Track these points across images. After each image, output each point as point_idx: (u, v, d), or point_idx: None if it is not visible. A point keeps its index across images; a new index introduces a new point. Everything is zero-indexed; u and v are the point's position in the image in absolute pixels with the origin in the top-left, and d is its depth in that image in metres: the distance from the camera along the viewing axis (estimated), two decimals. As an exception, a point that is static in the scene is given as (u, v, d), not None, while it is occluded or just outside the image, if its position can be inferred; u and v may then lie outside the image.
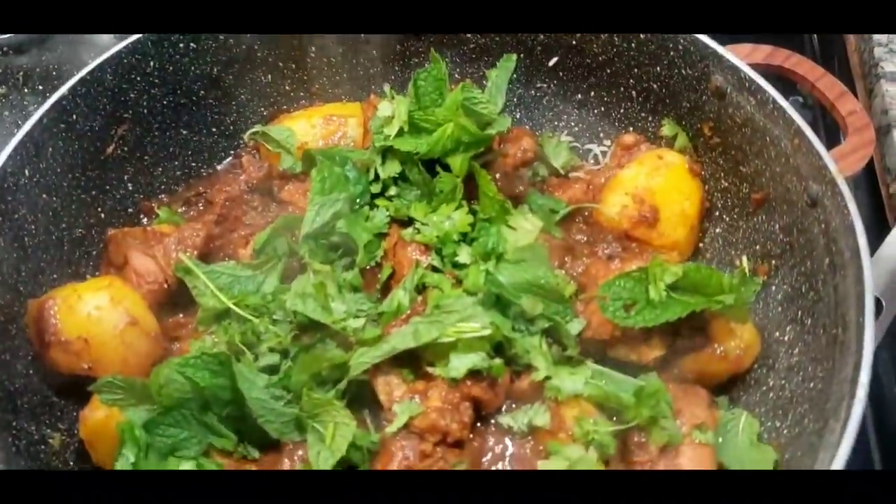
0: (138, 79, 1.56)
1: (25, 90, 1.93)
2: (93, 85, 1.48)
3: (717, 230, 1.67)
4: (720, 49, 1.54)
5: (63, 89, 1.43)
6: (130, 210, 1.63)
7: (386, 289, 1.52)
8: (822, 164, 1.37)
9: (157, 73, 1.59)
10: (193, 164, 1.74)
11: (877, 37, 2.10)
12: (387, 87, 1.81)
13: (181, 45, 1.60)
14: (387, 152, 1.61)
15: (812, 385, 1.34)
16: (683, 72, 1.61)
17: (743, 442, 1.39)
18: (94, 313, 1.35)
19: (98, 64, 1.48)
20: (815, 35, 2.30)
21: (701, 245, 1.68)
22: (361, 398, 1.34)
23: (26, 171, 1.37)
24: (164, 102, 1.63)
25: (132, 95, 1.57)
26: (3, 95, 1.92)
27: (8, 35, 2.00)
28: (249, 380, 1.27)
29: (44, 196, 1.43)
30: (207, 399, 1.27)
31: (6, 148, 1.34)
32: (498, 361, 1.32)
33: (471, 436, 1.32)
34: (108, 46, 2.03)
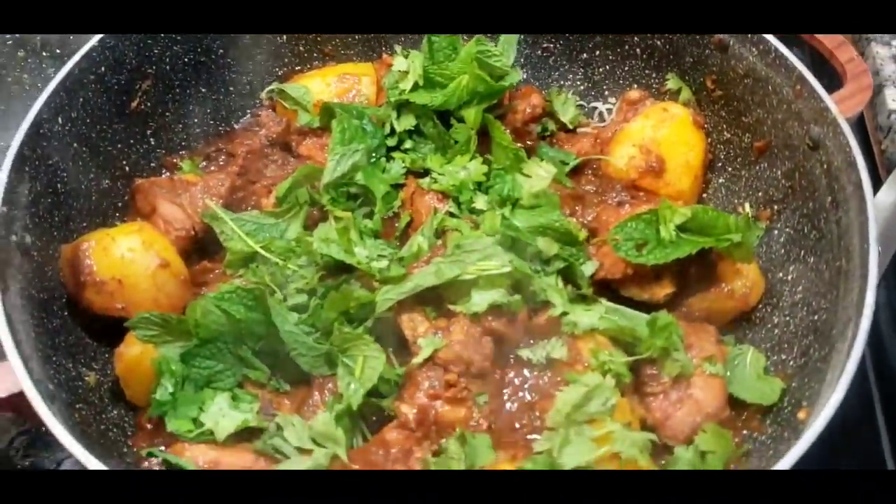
0: (161, 35, 1.61)
1: (44, 54, 1.96)
2: (120, 38, 1.52)
3: (721, 180, 1.73)
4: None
5: (93, 40, 1.47)
6: (153, 164, 1.68)
7: (405, 236, 1.58)
8: (823, 106, 1.44)
9: (180, 30, 1.63)
10: (212, 122, 1.78)
11: (868, 2, 2.17)
12: (399, 48, 1.87)
13: (202, 2, 1.64)
14: (402, 107, 1.67)
15: (816, 317, 1.41)
16: (687, 27, 1.67)
17: (751, 374, 1.45)
18: (127, 255, 1.39)
19: (125, 18, 1.51)
20: None
21: (704, 195, 1.74)
22: (386, 336, 1.39)
23: (59, 119, 1.42)
24: (185, 60, 1.68)
25: (156, 51, 1.61)
26: (23, 59, 1.95)
27: None
28: (282, 315, 1.32)
29: (74, 145, 1.47)
30: (242, 332, 1.32)
31: (41, 95, 1.38)
32: (517, 297, 1.38)
33: (492, 368, 1.38)
34: None
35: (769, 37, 1.53)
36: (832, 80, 1.56)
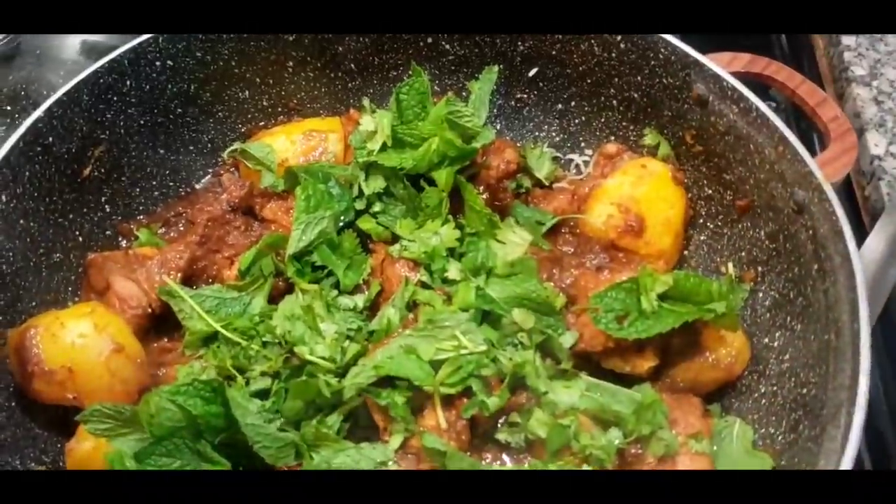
0: (115, 99, 1.53)
1: (-8, 110, 1.88)
2: (69, 106, 1.44)
3: (702, 237, 1.67)
4: (701, 58, 1.55)
5: (39, 111, 1.39)
6: (108, 232, 1.60)
7: (374, 307, 1.50)
8: (807, 170, 1.38)
9: (134, 92, 1.56)
10: (171, 184, 1.70)
11: (845, 40, 2.13)
12: (366, 101, 1.80)
13: (157, 63, 1.57)
14: (370, 167, 1.60)
15: (805, 391, 1.35)
16: (665, 81, 1.62)
17: (738, 450, 1.40)
18: (78, 341, 1.31)
19: (74, 84, 1.44)
20: (784, 39, 2.33)
21: (686, 252, 1.68)
22: (358, 416, 1.33)
23: (3, 197, 1.34)
24: (142, 122, 1.60)
25: (109, 116, 1.53)
26: (-30, 116, 1.86)
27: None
28: (243, 406, 1.24)
29: (21, 222, 1.39)
30: (200, 427, 1.24)
31: (-19, 176, 1.30)
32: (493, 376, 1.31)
33: (468, 454, 1.31)
34: (76, 64, 2.03)
35: (750, 95, 1.48)
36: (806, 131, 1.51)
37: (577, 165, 1.83)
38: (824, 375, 1.29)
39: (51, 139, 1.42)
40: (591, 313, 1.39)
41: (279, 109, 1.80)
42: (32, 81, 1.97)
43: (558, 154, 1.84)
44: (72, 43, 2.09)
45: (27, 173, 1.38)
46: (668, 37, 1.58)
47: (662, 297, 1.40)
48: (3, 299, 1.34)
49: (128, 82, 1.53)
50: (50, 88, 1.97)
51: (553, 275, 1.57)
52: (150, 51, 1.54)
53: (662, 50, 1.59)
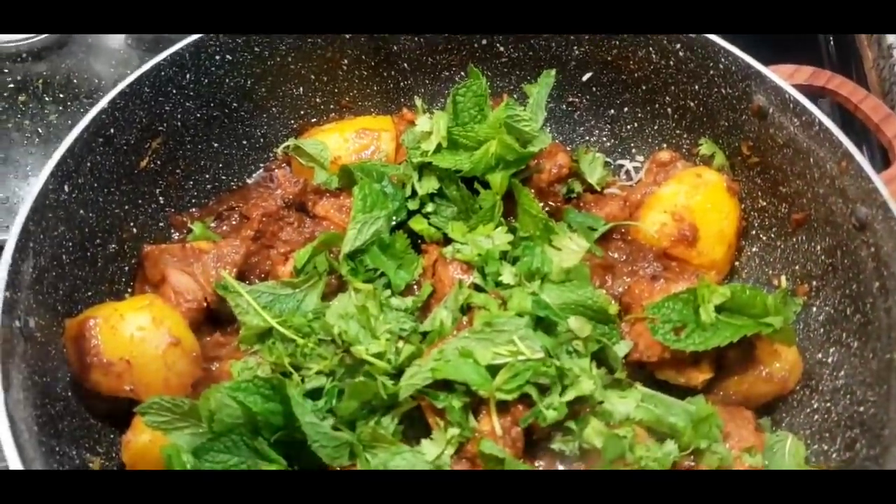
0: (174, 91, 1.53)
1: (46, 98, 1.88)
2: (131, 98, 1.44)
3: (754, 249, 1.66)
4: (763, 69, 1.53)
5: (102, 102, 1.39)
6: (162, 224, 1.60)
7: (426, 308, 1.50)
8: (872, 187, 1.37)
9: (193, 85, 1.56)
10: (224, 178, 1.70)
11: (897, 52, 2.11)
12: (419, 101, 1.80)
13: (217, 57, 1.57)
14: (424, 168, 1.59)
15: (862, 409, 1.34)
16: (723, 91, 1.61)
17: (791, 465, 1.39)
18: (136, 334, 1.31)
19: (137, 77, 1.44)
20: (834, 51, 2.30)
21: (737, 263, 1.67)
22: (413, 418, 1.32)
23: (65, 188, 1.34)
24: (198, 115, 1.60)
25: (167, 108, 1.53)
26: (24, 103, 1.87)
27: (26, 40, 1.95)
28: (302, 405, 1.24)
29: (80, 212, 1.39)
30: (259, 424, 1.24)
31: (48, 164, 1.30)
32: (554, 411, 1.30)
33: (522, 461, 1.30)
34: (124, 53, 2.03)
35: (813, 109, 1.46)
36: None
37: (628, 171, 1.82)
38: (885, 395, 1.28)
39: (112, 130, 1.42)
40: (649, 323, 1.39)
41: (331, 107, 1.79)
42: (83, 70, 1.97)
43: (608, 159, 1.83)
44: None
45: (89, 164, 1.39)
46: (730, 47, 1.56)
47: (718, 310, 1.39)
48: (62, 289, 1.35)
49: (187, 75, 1.54)
50: (99, 77, 1.98)
51: (605, 282, 1.57)
52: (210, 45, 1.54)
53: (723, 60, 1.58)
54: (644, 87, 1.73)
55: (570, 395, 1.29)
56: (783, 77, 1.53)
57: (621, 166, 1.83)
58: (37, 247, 1.27)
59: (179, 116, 1.56)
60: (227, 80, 1.61)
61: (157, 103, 1.51)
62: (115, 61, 2.02)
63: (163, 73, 1.49)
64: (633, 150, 1.82)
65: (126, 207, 1.51)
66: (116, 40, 2.07)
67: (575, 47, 1.74)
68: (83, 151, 1.36)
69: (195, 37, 1.51)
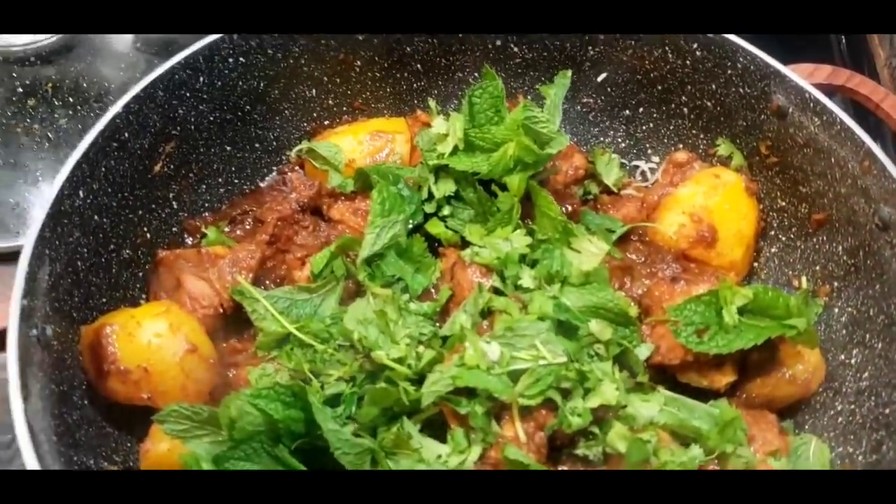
0: (188, 95, 1.51)
1: (56, 102, 1.87)
2: (145, 101, 1.42)
3: (773, 249, 1.65)
4: (783, 68, 1.52)
5: (117, 106, 1.37)
6: (175, 229, 1.58)
7: (445, 312, 1.48)
8: (895, 187, 1.35)
9: (206, 88, 1.54)
10: (236, 181, 1.69)
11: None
12: (432, 102, 1.78)
13: (230, 60, 1.55)
14: (440, 171, 1.58)
15: (888, 411, 1.33)
16: (741, 90, 1.59)
17: (815, 468, 1.37)
18: (154, 341, 1.30)
19: (151, 80, 1.42)
20: (845, 49, 2.29)
21: (756, 264, 1.66)
22: (434, 422, 1.30)
23: (80, 193, 1.32)
24: (211, 118, 1.58)
25: (181, 112, 1.52)
26: (33, 107, 1.85)
27: (34, 44, 1.94)
28: (324, 413, 1.23)
29: (95, 217, 1.37)
30: (280, 431, 1.22)
31: (62, 170, 1.28)
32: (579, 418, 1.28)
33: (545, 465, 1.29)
34: (132, 57, 2.01)
35: (834, 108, 1.45)
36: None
37: (643, 172, 1.80)
38: (912, 396, 1.27)
39: (126, 135, 1.41)
40: (671, 326, 1.37)
41: (344, 109, 1.78)
42: (92, 74, 1.96)
43: (623, 160, 1.81)
44: (127, 35, 2.07)
45: (103, 169, 1.37)
46: (748, 46, 1.55)
47: (741, 311, 1.38)
48: (77, 296, 1.33)
49: (201, 78, 1.52)
50: (108, 81, 1.96)
51: (624, 284, 1.55)
52: (224, 47, 1.53)
53: (741, 59, 1.56)
54: (660, 88, 1.72)
55: (594, 402, 1.27)
56: (802, 76, 1.52)
57: (636, 167, 1.81)
58: (52, 253, 1.25)
59: (193, 120, 1.54)
60: (240, 83, 1.59)
61: (171, 107, 1.49)
62: (124, 65, 2.00)
63: (177, 77, 1.47)
64: (649, 151, 1.80)
65: (140, 212, 1.49)
66: (124, 43, 2.05)
67: (590, 48, 1.73)
68: (98, 156, 1.35)
69: (209, 39, 1.50)
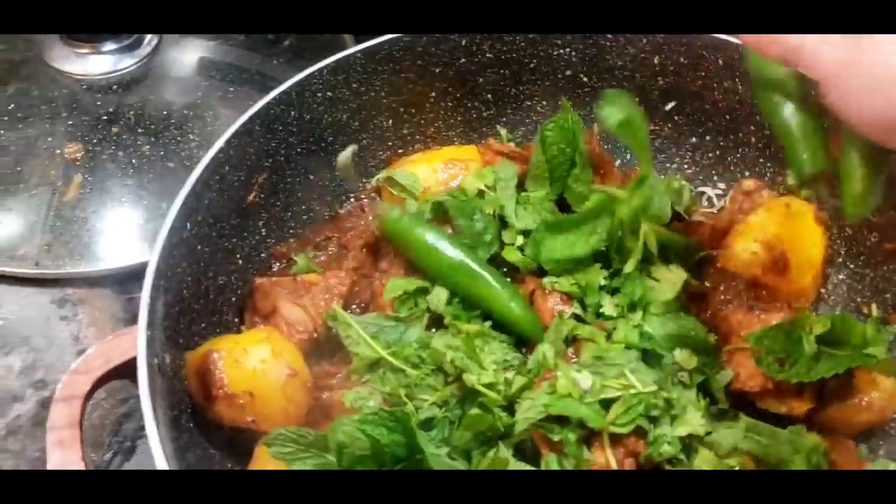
0: (280, 128, 1.58)
1: (139, 129, 1.93)
2: (244, 136, 1.49)
3: (841, 276, 1.69)
4: (853, 102, 1.55)
5: (220, 142, 1.44)
6: (263, 255, 1.64)
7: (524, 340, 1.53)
8: (973, 220, 1.39)
9: (296, 122, 1.60)
10: (317, 208, 1.75)
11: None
12: (503, 130, 1.84)
13: (319, 94, 1.62)
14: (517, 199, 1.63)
15: (964, 438, 1.36)
16: (811, 122, 1.63)
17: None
18: (259, 367, 1.35)
19: (249, 116, 1.49)
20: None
21: (823, 291, 1.69)
22: (524, 449, 1.35)
23: (188, 225, 1.38)
24: (299, 150, 1.64)
25: (273, 144, 1.58)
26: (117, 134, 1.92)
27: (116, 72, 2.01)
28: (425, 437, 1.28)
29: (198, 247, 1.43)
30: (384, 456, 1.27)
31: (174, 204, 1.35)
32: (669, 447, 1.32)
33: (634, 491, 1.33)
34: (193, 81, 2.07)
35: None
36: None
37: (710, 198, 1.85)
38: None
39: (227, 168, 1.47)
40: (753, 354, 1.41)
41: (417, 137, 1.84)
42: (169, 102, 2.02)
43: (690, 186, 1.85)
44: (189, 61, 2.14)
45: (206, 201, 1.43)
46: (820, 78, 1.59)
47: (818, 340, 1.42)
48: (182, 323, 1.39)
49: (292, 113, 1.58)
50: (183, 108, 2.02)
51: (700, 311, 1.59)
52: (314, 83, 1.59)
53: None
54: (728, 117, 1.76)
55: (682, 430, 1.32)
56: (874, 109, 1.55)
57: (702, 193, 1.86)
58: (165, 284, 1.31)
59: (283, 152, 1.61)
60: (326, 116, 1.65)
61: (265, 140, 1.55)
62: (181, 89, 2.06)
63: (272, 112, 1.53)
64: (715, 178, 1.85)
65: (234, 240, 1.55)
66: (185, 68, 2.11)
67: (659, 79, 1.78)
68: (203, 190, 1.41)
69: (301, 76, 1.56)
